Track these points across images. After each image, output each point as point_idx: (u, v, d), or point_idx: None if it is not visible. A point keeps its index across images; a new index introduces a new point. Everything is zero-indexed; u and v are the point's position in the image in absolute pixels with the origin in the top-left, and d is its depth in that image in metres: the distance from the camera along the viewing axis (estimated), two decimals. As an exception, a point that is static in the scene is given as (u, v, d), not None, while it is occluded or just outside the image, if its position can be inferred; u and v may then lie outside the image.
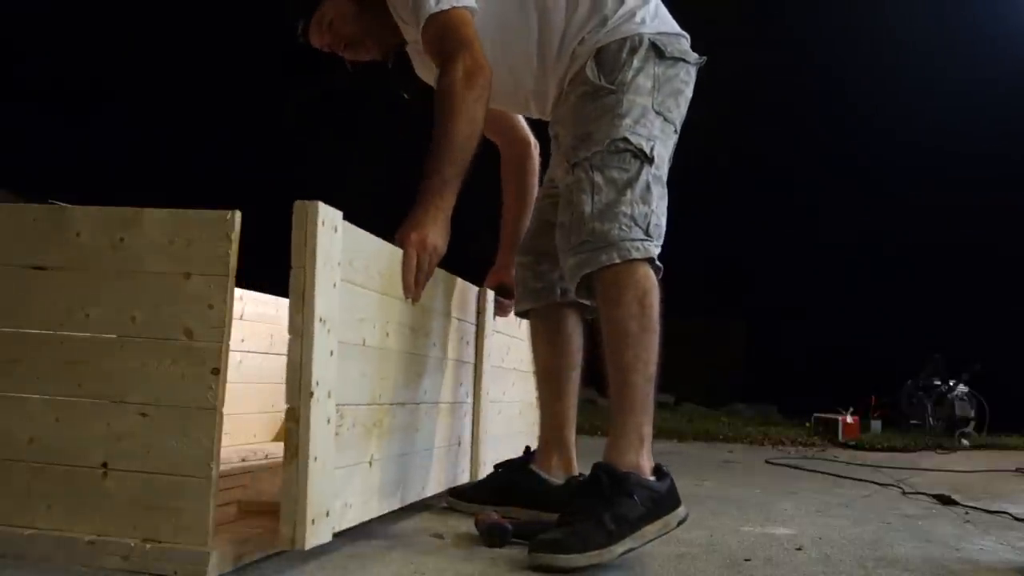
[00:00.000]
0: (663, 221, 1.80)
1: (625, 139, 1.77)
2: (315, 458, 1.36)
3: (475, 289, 2.21)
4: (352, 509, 1.51)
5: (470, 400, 2.19)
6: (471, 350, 2.18)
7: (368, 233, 1.56)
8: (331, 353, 1.43)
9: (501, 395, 2.47)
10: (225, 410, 1.34)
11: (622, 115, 1.79)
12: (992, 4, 10.90)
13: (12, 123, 11.24)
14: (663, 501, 1.57)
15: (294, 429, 1.37)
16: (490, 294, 2.29)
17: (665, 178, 1.84)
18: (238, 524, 1.52)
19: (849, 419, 6.02)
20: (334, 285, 1.43)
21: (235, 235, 1.35)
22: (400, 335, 1.69)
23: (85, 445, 1.34)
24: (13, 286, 1.41)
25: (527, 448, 2.14)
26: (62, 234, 1.41)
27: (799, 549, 1.78)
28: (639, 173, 1.76)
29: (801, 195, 12.02)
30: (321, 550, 1.53)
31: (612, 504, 1.52)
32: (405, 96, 2.09)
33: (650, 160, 1.77)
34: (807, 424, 6.16)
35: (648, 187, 1.76)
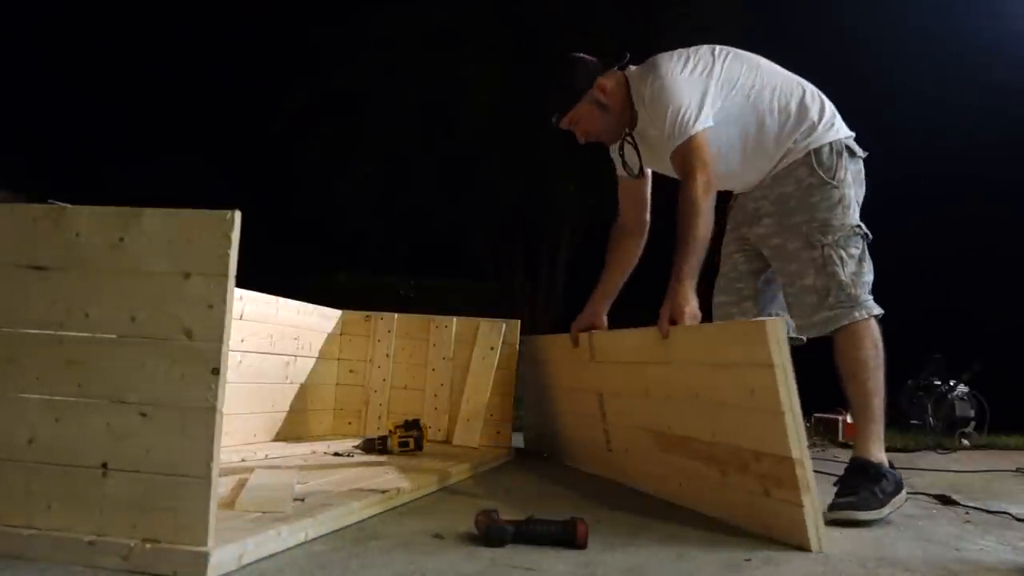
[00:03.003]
0: None
1: (857, 225, 2.39)
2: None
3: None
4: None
5: None
6: None
7: None
8: None
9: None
10: (225, 410, 1.33)
11: (847, 206, 2.39)
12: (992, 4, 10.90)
13: (12, 123, 11.23)
14: (898, 483, 2.28)
15: (803, 474, 1.77)
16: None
17: None
18: (238, 524, 1.51)
19: (849, 419, 6.01)
20: None
21: (235, 235, 1.35)
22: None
23: (85, 445, 1.34)
24: (13, 286, 1.41)
25: None
26: (62, 234, 1.41)
27: (799, 549, 1.78)
28: (864, 249, 2.39)
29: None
30: (321, 550, 1.53)
31: (877, 482, 2.21)
32: (627, 171, 2.71)
33: (867, 237, 2.40)
34: (807, 424, 6.15)
35: (868, 258, 2.40)
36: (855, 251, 2.38)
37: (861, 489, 2.19)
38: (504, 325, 3.63)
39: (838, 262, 2.36)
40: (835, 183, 2.40)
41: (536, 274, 11.94)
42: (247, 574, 1.34)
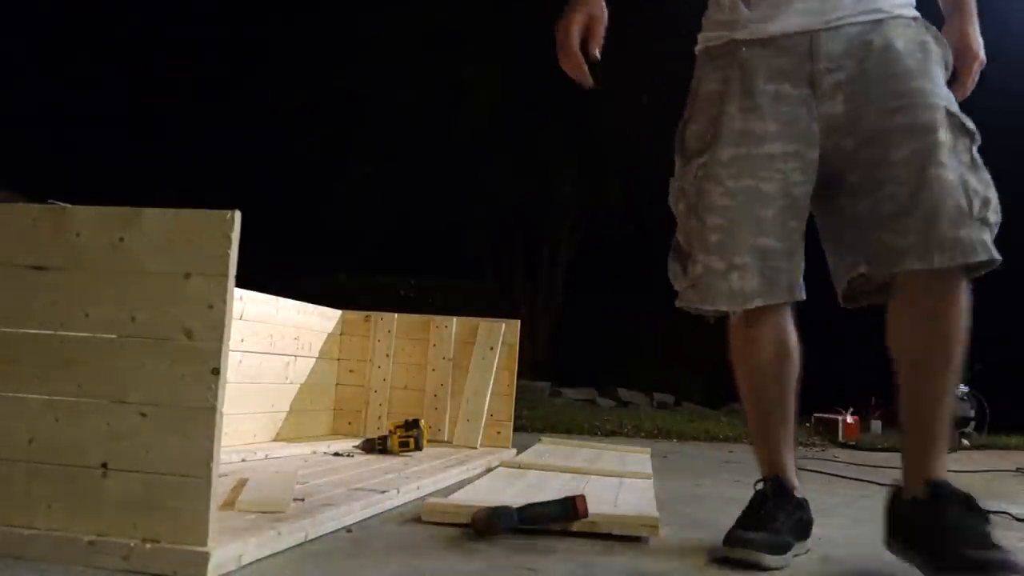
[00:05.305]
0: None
1: None
2: None
3: None
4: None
5: None
6: None
7: None
8: None
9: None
10: (225, 410, 1.33)
11: None
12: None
13: (13, 123, 11.23)
14: None
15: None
16: None
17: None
18: (238, 524, 1.51)
19: (849, 419, 6.02)
20: None
21: (235, 235, 1.35)
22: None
23: (85, 445, 1.34)
24: (13, 286, 1.41)
25: (775, 478, 1.75)
26: (62, 234, 1.41)
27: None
28: None
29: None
30: (321, 550, 1.53)
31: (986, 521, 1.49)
32: None
33: None
34: (807, 424, 6.16)
35: None
36: None
37: (990, 535, 1.46)
38: (504, 325, 3.63)
39: (985, 169, 1.57)
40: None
41: (536, 274, 11.95)
42: (247, 574, 1.34)
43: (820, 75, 1.63)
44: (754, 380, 1.79)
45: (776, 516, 1.66)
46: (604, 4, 1.78)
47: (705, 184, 1.68)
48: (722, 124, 1.68)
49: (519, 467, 2.81)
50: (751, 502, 1.72)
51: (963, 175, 1.53)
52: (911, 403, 1.64)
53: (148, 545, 1.28)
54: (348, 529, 1.72)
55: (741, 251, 1.65)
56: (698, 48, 1.81)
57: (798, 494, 1.75)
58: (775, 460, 1.77)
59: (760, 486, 1.75)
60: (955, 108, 1.58)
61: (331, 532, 1.67)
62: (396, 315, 3.71)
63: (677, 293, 1.75)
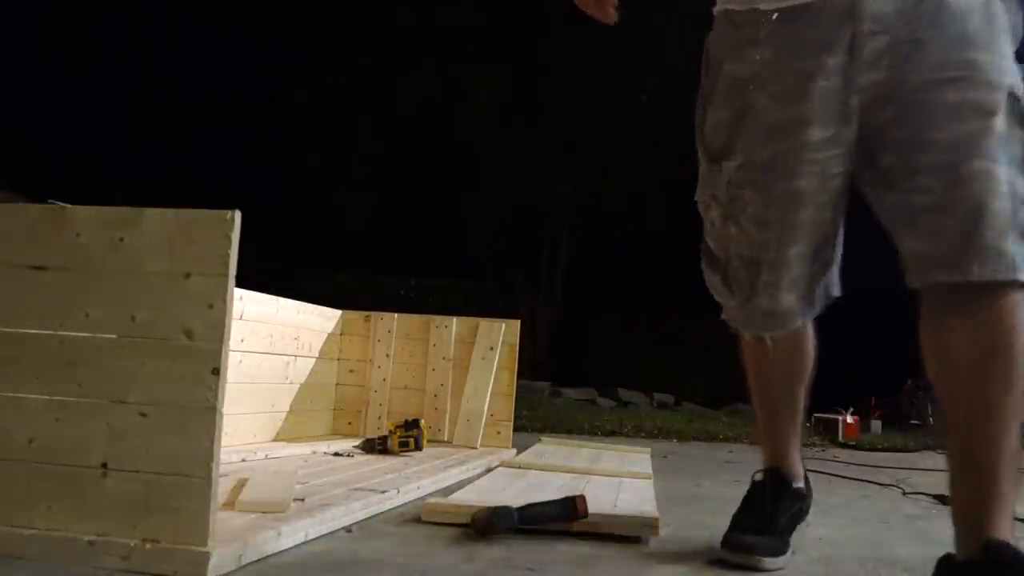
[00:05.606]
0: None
1: None
2: None
3: None
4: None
5: None
6: None
7: None
8: None
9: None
10: (225, 410, 1.33)
11: None
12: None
13: (12, 123, 11.24)
14: None
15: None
16: None
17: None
18: (238, 524, 1.51)
19: (849, 419, 6.02)
20: None
21: (235, 235, 1.35)
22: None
23: (85, 445, 1.34)
24: (13, 286, 1.41)
25: (775, 470, 1.75)
26: (62, 234, 1.41)
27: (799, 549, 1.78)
28: None
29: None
30: (321, 550, 1.53)
31: None
32: None
33: None
34: (807, 424, 6.16)
35: None
36: None
37: None
38: (504, 325, 3.63)
39: None
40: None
41: (536, 274, 11.95)
42: (247, 574, 1.34)
43: (863, 39, 1.36)
44: (765, 380, 1.73)
45: (776, 514, 1.63)
46: None
47: (742, 191, 1.49)
48: (752, 119, 1.46)
49: (519, 467, 2.81)
50: (749, 495, 1.70)
51: (1012, 176, 1.29)
52: (960, 444, 1.40)
53: (148, 545, 1.28)
54: (348, 529, 1.72)
55: (786, 264, 1.49)
56: (717, 9, 1.57)
57: (798, 483, 1.73)
58: (778, 454, 1.75)
59: (759, 477, 1.72)
60: (1020, 91, 1.32)
61: (331, 532, 1.67)
62: (396, 315, 3.71)
63: (720, 307, 1.64)
